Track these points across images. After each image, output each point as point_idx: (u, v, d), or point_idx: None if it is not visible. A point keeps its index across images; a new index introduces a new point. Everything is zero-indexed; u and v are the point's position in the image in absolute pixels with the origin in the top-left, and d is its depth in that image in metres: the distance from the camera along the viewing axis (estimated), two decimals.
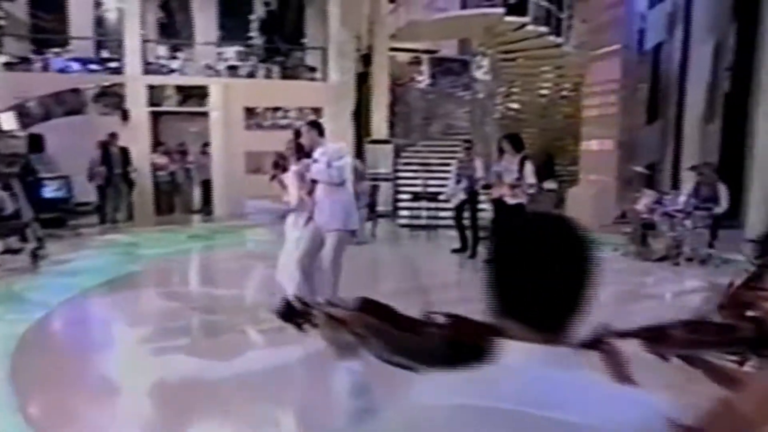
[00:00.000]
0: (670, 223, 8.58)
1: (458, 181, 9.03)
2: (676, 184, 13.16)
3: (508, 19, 12.22)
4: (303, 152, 5.56)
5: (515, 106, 14.10)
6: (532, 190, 7.54)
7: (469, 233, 8.88)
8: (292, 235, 5.62)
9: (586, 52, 13.02)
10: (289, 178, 5.61)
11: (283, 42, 16.19)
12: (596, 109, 13.18)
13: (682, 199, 8.60)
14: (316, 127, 5.71)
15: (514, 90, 13.98)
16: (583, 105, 13.50)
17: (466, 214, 8.96)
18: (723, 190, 8.81)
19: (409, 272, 7.65)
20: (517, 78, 13.84)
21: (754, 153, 11.57)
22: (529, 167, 7.62)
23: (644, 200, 8.94)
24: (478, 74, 13.71)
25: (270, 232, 10.71)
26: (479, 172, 8.79)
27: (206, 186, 13.48)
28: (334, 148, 5.61)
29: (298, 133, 5.78)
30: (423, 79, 15.76)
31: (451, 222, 11.21)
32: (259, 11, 17.13)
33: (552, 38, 12.65)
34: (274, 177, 5.94)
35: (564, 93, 13.74)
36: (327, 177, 5.29)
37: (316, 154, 5.34)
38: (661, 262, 8.45)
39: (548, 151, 13.76)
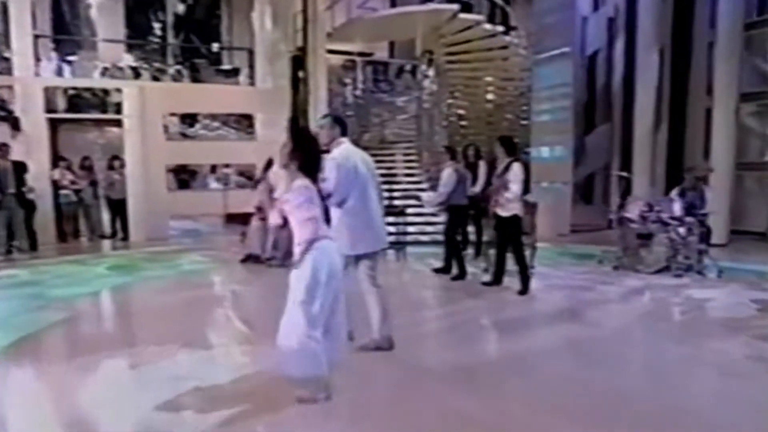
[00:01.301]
0: (666, 232, 8.01)
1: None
2: (629, 189, 12.89)
3: (463, 16, 11.37)
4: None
5: (461, 112, 13.28)
6: (510, 195, 6.57)
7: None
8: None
9: (535, 55, 12.48)
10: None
11: (203, 41, 14.47)
12: (546, 115, 12.65)
13: (676, 206, 8.03)
14: (340, 123, 4.54)
15: (458, 95, 13.15)
16: (531, 110, 12.96)
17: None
18: (709, 195, 8.38)
19: (415, 310, 6.45)
20: (462, 82, 13.03)
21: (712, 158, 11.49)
22: (515, 171, 6.64)
23: (635, 208, 8.32)
24: (423, 78, 12.75)
25: (208, 257, 9.31)
26: (480, 180, 7.84)
27: (119, 207, 11.50)
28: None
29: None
30: (357, 84, 14.59)
31: (418, 238, 10.30)
32: (175, 6, 15.25)
33: (504, 39, 11.94)
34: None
35: (510, 98, 13.09)
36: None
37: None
38: (660, 275, 7.82)
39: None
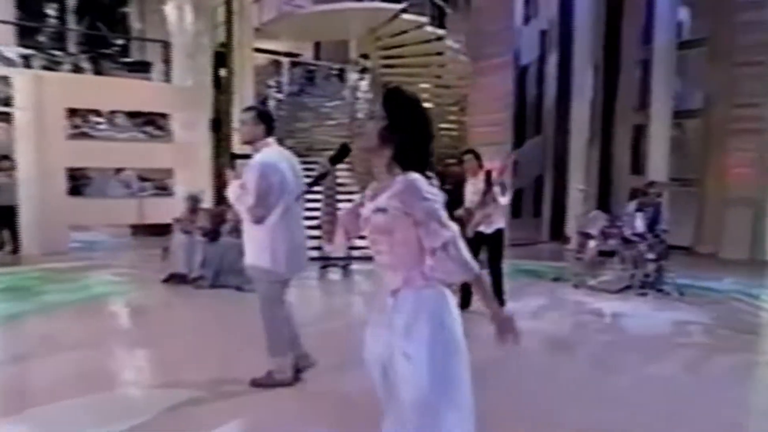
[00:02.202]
0: (628, 249, 7.71)
1: None
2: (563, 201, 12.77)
3: (406, 17, 10.70)
4: None
5: None
6: (503, 201, 6.02)
7: None
8: None
9: (475, 62, 12.08)
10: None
11: (110, 29, 12.88)
12: (485, 126, 12.27)
13: (639, 222, 7.75)
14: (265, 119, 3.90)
15: None
16: (468, 121, 12.56)
17: None
18: (665, 212, 8.21)
19: None
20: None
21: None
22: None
23: (597, 224, 7.98)
24: (356, 83, 11.99)
25: (122, 276, 7.92)
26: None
27: (7, 214, 9.77)
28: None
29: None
30: (283, 87, 13.59)
31: (366, 253, 9.32)
32: None
33: (444, 44, 11.41)
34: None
35: (448, 108, 12.61)
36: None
37: None
38: (622, 293, 7.48)
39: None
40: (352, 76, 12.14)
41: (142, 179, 10.82)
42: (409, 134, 2.05)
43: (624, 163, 13.93)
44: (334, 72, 14.30)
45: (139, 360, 4.71)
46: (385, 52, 11.90)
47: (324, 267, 8.32)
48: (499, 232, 6.13)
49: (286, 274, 3.86)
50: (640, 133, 13.68)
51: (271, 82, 13.58)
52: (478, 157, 6.37)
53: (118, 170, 12.54)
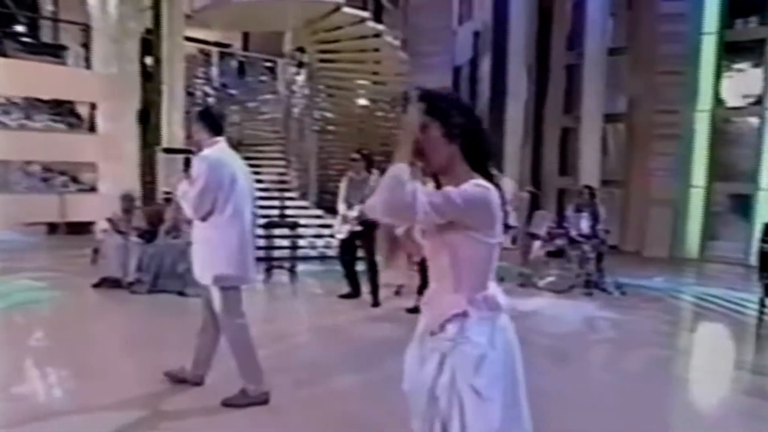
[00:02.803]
0: (574, 249, 7.87)
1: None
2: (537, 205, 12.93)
3: (347, 11, 10.43)
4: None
5: (329, 115, 12.32)
6: None
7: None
8: None
9: (412, 60, 12.01)
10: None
11: (17, 8, 11.75)
12: None
13: (584, 223, 7.94)
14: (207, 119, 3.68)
15: (330, 99, 12.17)
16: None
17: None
18: (603, 213, 8.46)
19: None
20: (335, 84, 12.08)
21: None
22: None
23: (544, 224, 8.10)
24: (293, 77, 11.60)
25: (45, 280, 7.11)
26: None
27: None
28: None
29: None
30: (212, 79, 12.92)
31: (308, 253, 9.14)
32: None
33: (384, 39, 11.24)
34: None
35: (384, 104, 12.47)
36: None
37: None
38: (568, 293, 7.64)
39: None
40: (290, 70, 11.72)
41: (62, 174, 9.96)
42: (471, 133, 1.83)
43: (553, 164, 14.38)
44: (266, 65, 13.80)
45: (75, 378, 4.16)
46: (322, 46, 11.59)
47: (269, 269, 7.93)
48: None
49: (243, 279, 3.60)
50: (567, 136, 14.20)
51: (200, 74, 12.90)
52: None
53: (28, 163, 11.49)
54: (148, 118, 10.59)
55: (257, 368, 3.63)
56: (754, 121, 11.73)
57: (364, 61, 12.03)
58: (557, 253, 7.98)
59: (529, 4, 12.95)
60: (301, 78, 11.54)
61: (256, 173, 10.35)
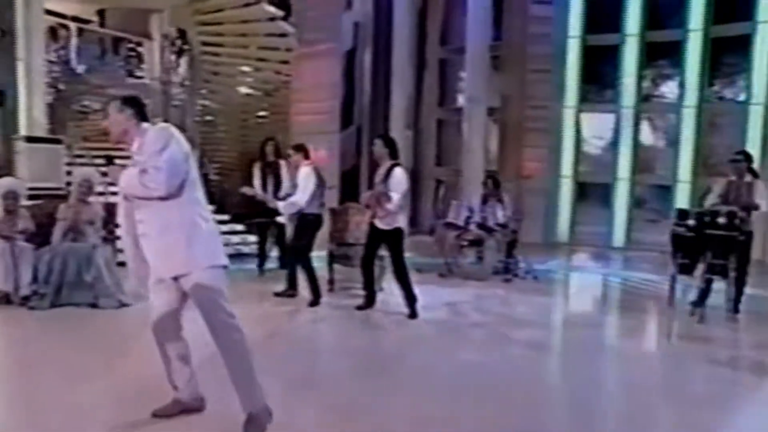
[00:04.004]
0: (492, 238, 8.10)
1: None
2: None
3: None
4: None
5: (210, 104, 11.44)
6: (391, 206, 5.76)
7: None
8: None
9: (301, 47, 11.55)
10: None
11: None
12: (310, 114, 11.87)
13: (500, 211, 8.21)
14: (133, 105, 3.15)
15: (213, 86, 11.30)
16: (292, 109, 12.00)
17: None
18: (508, 201, 8.82)
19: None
20: (215, 69, 11.20)
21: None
22: (398, 177, 5.83)
23: (458, 213, 8.21)
24: (172, 62, 10.58)
25: None
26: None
27: None
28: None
29: None
30: (71, 58, 11.33)
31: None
32: None
33: (278, 24, 10.65)
34: None
35: (271, 94, 11.88)
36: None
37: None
38: (489, 280, 7.88)
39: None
40: (166, 54, 10.65)
41: None
42: None
43: (430, 154, 14.79)
44: (130, 46, 12.41)
45: None
46: (204, 28, 10.69)
47: None
48: (398, 231, 5.86)
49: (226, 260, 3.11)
50: (443, 128, 14.70)
51: (53, 53, 11.24)
52: (388, 144, 6.01)
53: None
54: (3, 101, 9.03)
55: (255, 381, 3.03)
56: (611, 117, 13.03)
57: (248, 46, 11.32)
58: (475, 243, 8.17)
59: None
60: (181, 64, 10.56)
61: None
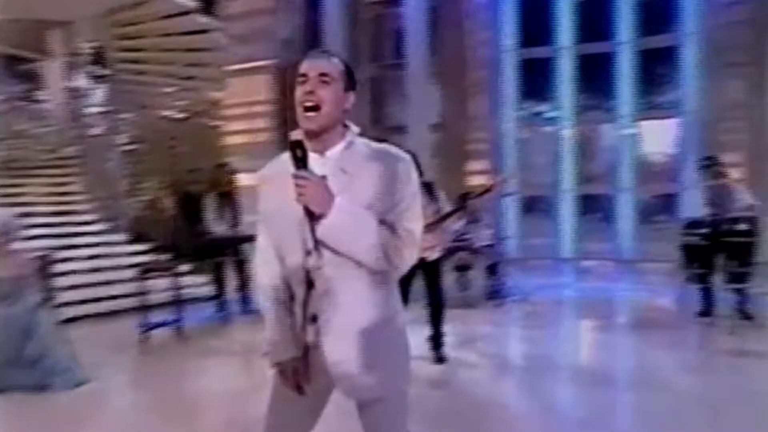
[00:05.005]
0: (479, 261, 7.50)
1: None
2: None
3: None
4: None
5: (136, 131, 10.05)
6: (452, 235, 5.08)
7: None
8: None
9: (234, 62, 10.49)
10: None
11: None
12: (241, 135, 10.82)
13: (486, 231, 7.64)
14: None
15: (133, 109, 9.92)
16: (223, 130, 10.88)
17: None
18: (486, 218, 8.32)
19: None
20: (139, 89, 9.87)
21: None
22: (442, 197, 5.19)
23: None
24: (87, 84, 9.15)
25: None
26: None
27: None
28: None
29: None
30: None
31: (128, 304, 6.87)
32: None
33: (212, 37, 9.53)
34: None
35: (200, 114, 10.67)
36: None
37: None
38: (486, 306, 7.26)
39: (189, 191, 10.34)
40: (77, 75, 9.20)
41: None
42: None
43: None
44: (25, 66, 10.72)
45: None
46: (124, 43, 9.37)
47: (146, 329, 5.86)
48: (440, 260, 5.14)
49: None
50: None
51: None
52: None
53: None
54: None
55: None
56: (549, 130, 13.01)
57: (172, 62, 10.09)
58: (462, 268, 7.53)
59: (342, 16, 12.42)
60: (97, 85, 9.16)
61: (24, 204, 7.70)
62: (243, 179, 8.27)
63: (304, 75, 1.85)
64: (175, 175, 10.24)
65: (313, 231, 1.78)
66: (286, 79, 12.93)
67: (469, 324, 6.49)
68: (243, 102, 10.65)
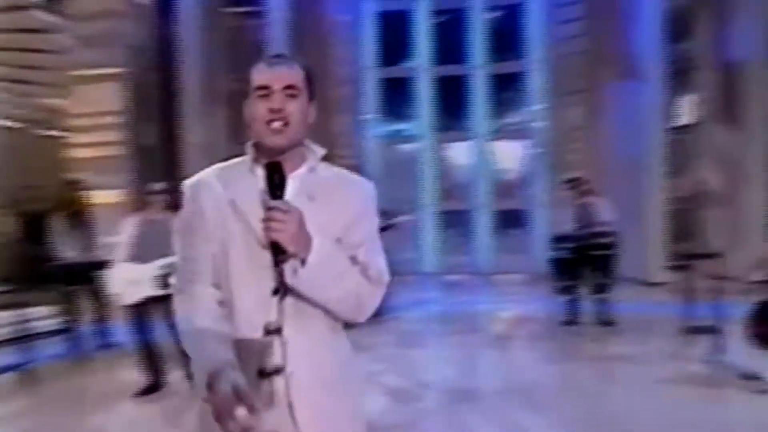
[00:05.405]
0: None
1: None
2: None
3: None
4: None
5: None
6: None
7: None
8: None
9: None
10: None
11: None
12: (90, 148, 9.77)
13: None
14: None
15: None
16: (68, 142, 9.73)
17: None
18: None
19: None
20: None
21: None
22: None
23: None
24: None
25: None
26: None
27: None
28: None
29: None
30: None
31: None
32: None
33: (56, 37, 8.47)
34: None
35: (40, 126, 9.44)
36: None
37: None
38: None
39: (31, 211, 8.99)
40: None
41: None
42: None
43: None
44: None
45: None
46: None
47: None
48: None
49: None
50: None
51: None
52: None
53: None
54: None
55: None
56: (409, 148, 13.40)
57: (10, 64, 8.85)
58: None
59: (198, 25, 11.80)
60: None
61: None
62: (96, 197, 7.48)
63: (265, 87, 1.59)
64: (11, 192, 8.97)
65: (281, 274, 1.47)
66: (138, 89, 12.03)
67: None
68: (91, 112, 9.60)
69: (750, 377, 4.48)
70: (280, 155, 1.57)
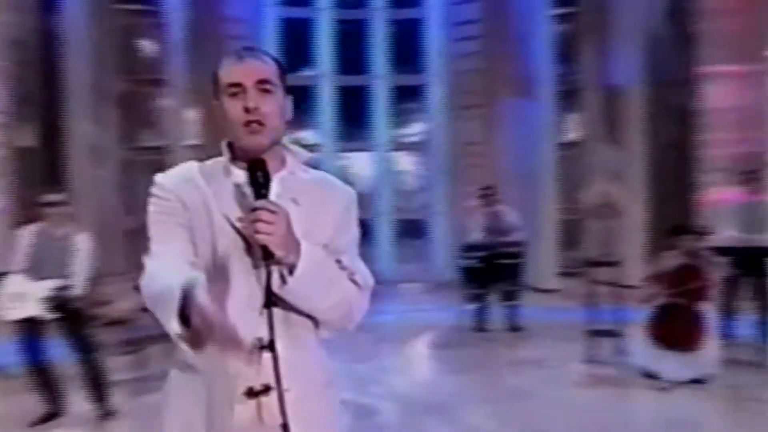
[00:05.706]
0: None
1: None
2: None
3: None
4: None
5: None
6: None
7: None
8: None
9: None
10: None
11: None
12: None
13: None
14: None
15: None
16: None
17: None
18: None
19: None
20: None
21: None
22: None
23: None
24: None
25: None
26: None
27: None
28: None
29: None
30: None
31: None
32: None
33: None
34: None
35: None
36: None
37: None
38: None
39: None
40: None
41: None
42: None
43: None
44: None
45: None
46: None
47: None
48: None
49: None
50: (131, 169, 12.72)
51: None
52: None
53: None
54: None
55: None
56: (314, 156, 13.25)
57: None
58: None
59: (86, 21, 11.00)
60: None
61: None
62: None
63: (237, 85, 1.48)
64: None
65: (269, 283, 1.38)
66: (19, 86, 11.01)
67: None
68: None
69: (652, 376, 4.89)
70: (260, 156, 1.48)
